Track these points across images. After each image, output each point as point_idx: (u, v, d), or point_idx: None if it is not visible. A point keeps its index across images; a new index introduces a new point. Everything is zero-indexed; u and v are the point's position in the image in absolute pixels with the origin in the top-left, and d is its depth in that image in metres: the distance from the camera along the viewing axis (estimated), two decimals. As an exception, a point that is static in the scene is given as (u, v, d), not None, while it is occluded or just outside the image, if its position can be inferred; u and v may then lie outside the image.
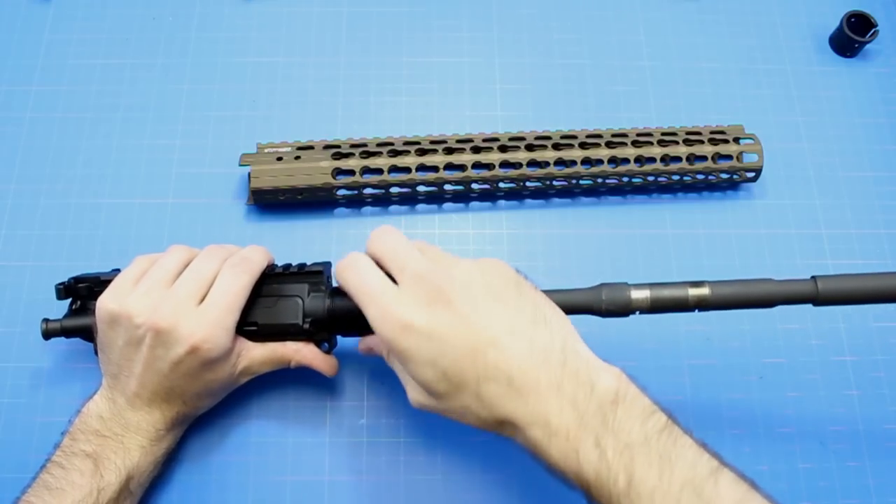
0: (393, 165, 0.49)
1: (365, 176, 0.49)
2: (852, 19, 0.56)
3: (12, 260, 0.49)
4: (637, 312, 0.37)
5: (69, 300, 0.42)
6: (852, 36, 0.56)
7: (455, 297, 0.33)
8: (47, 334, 0.41)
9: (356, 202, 0.51)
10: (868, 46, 0.58)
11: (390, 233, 0.37)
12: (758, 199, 0.53)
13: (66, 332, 0.41)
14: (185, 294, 0.38)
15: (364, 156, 0.49)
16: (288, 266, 0.43)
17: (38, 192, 0.51)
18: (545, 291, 0.37)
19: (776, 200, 0.53)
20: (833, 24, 0.58)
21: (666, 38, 0.58)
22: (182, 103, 0.54)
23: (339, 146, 0.49)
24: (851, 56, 0.58)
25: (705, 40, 0.58)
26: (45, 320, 0.41)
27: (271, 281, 0.41)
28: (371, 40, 0.57)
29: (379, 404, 0.46)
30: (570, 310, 0.36)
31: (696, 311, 0.37)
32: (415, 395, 0.36)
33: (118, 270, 0.42)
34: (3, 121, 0.52)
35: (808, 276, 0.37)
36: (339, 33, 0.57)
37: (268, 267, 0.42)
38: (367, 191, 0.50)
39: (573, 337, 0.34)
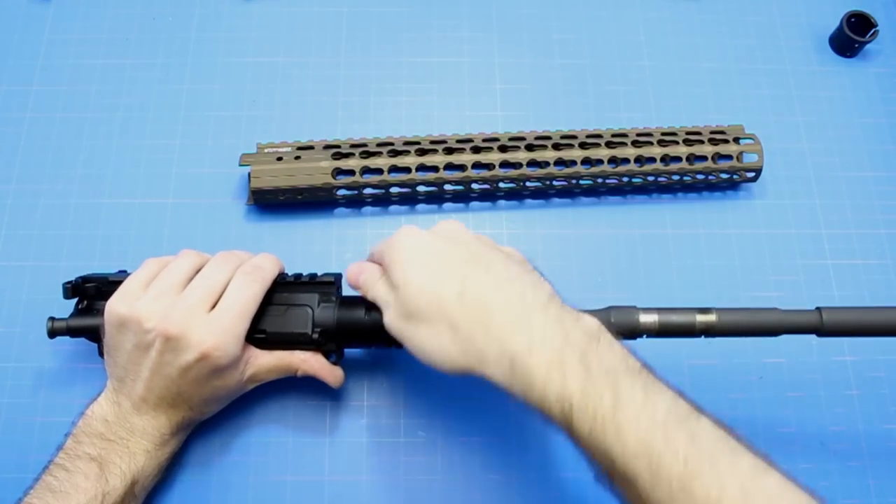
0: (393, 165, 0.49)
1: (365, 176, 0.49)
2: (852, 19, 0.56)
3: (12, 260, 0.49)
4: (644, 336, 0.38)
5: (75, 300, 0.42)
6: (852, 36, 0.56)
7: (467, 237, 0.37)
8: (53, 333, 0.41)
9: (356, 202, 0.51)
10: (868, 46, 0.58)
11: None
12: (758, 199, 0.53)
13: (72, 332, 0.41)
14: (196, 301, 0.38)
15: (364, 156, 0.49)
16: (299, 275, 0.43)
17: (38, 192, 0.51)
18: None
19: (776, 200, 0.53)
20: (833, 24, 0.58)
21: (666, 38, 0.58)
22: (182, 103, 0.54)
23: (339, 146, 0.49)
24: (851, 56, 0.58)
25: (705, 40, 0.58)
26: (52, 319, 0.41)
27: (282, 289, 0.41)
28: (371, 40, 0.57)
29: (379, 404, 0.46)
30: None
31: (703, 336, 0.38)
32: (397, 308, 0.35)
33: (125, 272, 0.42)
34: (3, 121, 0.52)
35: (814, 307, 0.38)
36: (339, 33, 0.57)
37: (278, 275, 0.42)
38: (367, 191, 0.50)
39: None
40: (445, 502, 0.44)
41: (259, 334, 0.40)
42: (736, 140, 0.51)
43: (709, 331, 0.37)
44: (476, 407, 0.46)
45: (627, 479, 0.28)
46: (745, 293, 0.50)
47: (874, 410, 0.47)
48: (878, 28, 0.56)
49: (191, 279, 0.39)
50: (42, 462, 0.38)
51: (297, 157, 0.48)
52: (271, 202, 0.50)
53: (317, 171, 0.48)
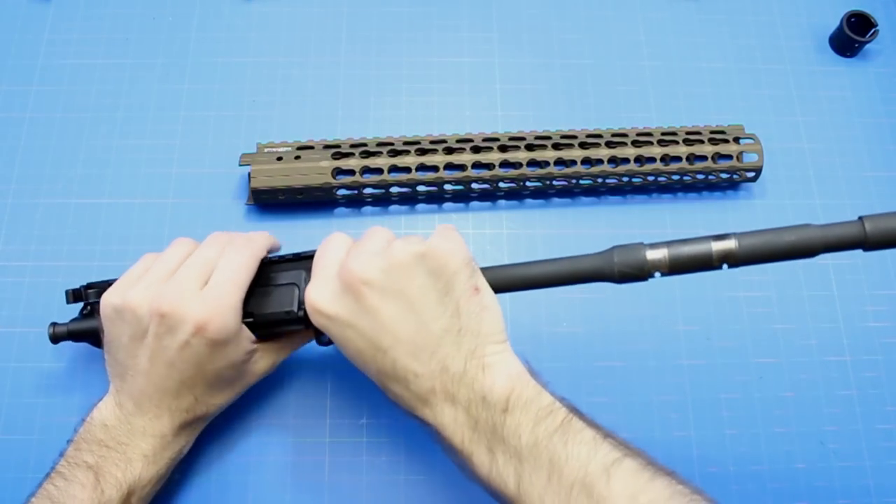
0: (393, 165, 0.49)
1: (365, 176, 0.49)
2: (852, 19, 0.56)
3: (12, 260, 0.49)
4: (657, 275, 0.34)
5: (80, 306, 0.42)
6: (852, 36, 0.56)
7: (370, 296, 0.34)
8: (55, 338, 0.41)
9: (356, 202, 0.51)
10: (868, 46, 0.58)
11: (378, 230, 0.38)
12: (758, 199, 0.53)
13: (73, 336, 0.41)
14: (187, 277, 0.37)
15: (364, 156, 0.49)
16: (284, 256, 0.42)
17: (38, 192, 0.51)
18: (550, 260, 0.36)
19: (776, 200, 0.53)
20: (833, 24, 0.58)
21: (666, 38, 0.58)
22: (182, 103, 0.54)
23: (338, 146, 0.49)
24: (851, 56, 0.58)
25: (705, 40, 0.58)
26: (53, 324, 0.41)
27: (268, 269, 0.41)
28: (371, 40, 0.57)
29: (379, 404, 0.46)
30: (579, 278, 0.36)
31: (725, 267, 0.33)
32: None
33: None
34: (3, 121, 0.52)
35: (856, 218, 0.33)
36: (339, 33, 0.57)
37: (264, 257, 0.41)
38: (367, 191, 0.50)
39: (485, 344, 0.35)
40: (446, 502, 0.44)
41: (246, 318, 0.39)
42: (736, 140, 0.51)
43: (729, 259, 0.32)
44: (476, 407, 0.46)
45: None
46: (745, 293, 0.50)
47: (872, 410, 0.47)
48: (878, 28, 0.56)
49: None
50: (41, 462, 0.38)
51: (297, 157, 0.48)
52: (271, 202, 0.50)
53: (316, 170, 0.48)
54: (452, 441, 0.34)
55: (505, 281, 0.37)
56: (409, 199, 0.52)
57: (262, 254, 0.40)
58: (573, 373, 0.47)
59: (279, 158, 0.48)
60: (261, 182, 0.48)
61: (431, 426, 0.35)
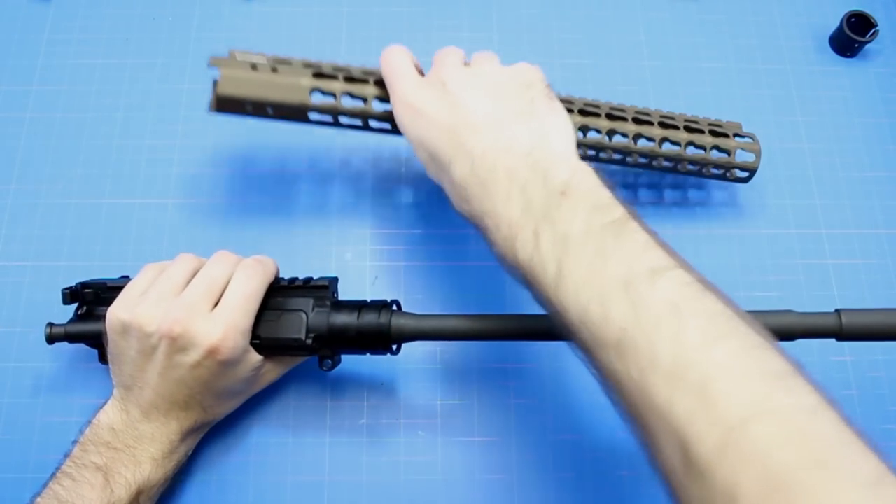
0: (379, 96, 0.42)
1: (345, 102, 0.42)
2: (852, 19, 0.56)
3: (12, 260, 0.49)
4: None
5: (75, 305, 0.42)
6: (852, 36, 0.56)
7: (453, 84, 0.37)
8: (51, 339, 0.41)
9: (331, 127, 0.44)
10: (868, 46, 0.58)
11: (451, 50, 0.40)
12: (757, 199, 0.53)
13: (70, 338, 0.41)
14: (198, 298, 0.37)
15: (348, 81, 0.43)
16: (294, 279, 0.42)
17: (38, 192, 0.51)
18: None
19: (776, 200, 0.53)
20: (833, 24, 0.58)
21: (666, 38, 0.58)
22: (182, 103, 0.54)
23: (320, 66, 0.43)
24: (851, 56, 0.58)
25: (705, 40, 0.58)
26: (50, 325, 0.41)
27: (276, 294, 0.41)
28: (371, 40, 0.57)
29: (379, 404, 0.46)
30: (547, 334, 0.36)
31: None
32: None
33: (127, 277, 0.42)
34: (3, 121, 0.52)
35: (832, 310, 0.36)
36: (339, 33, 0.57)
37: (273, 280, 0.41)
38: (344, 119, 0.43)
39: (557, 135, 0.35)
40: (445, 502, 0.44)
41: (254, 340, 0.39)
42: (735, 136, 0.50)
43: None
44: (476, 407, 0.46)
45: (579, 344, 0.30)
46: (745, 293, 0.50)
47: (873, 410, 0.47)
48: (878, 28, 0.56)
49: (189, 281, 0.39)
50: (41, 462, 0.38)
51: (274, 70, 0.42)
52: (236, 113, 0.42)
53: (294, 87, 0.41)
54: (501, 225, 0.32)
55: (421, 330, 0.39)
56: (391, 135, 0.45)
57: (271, 278, 0.40)
58: (575, 371, 0.47)
59: (253, 67, 0.42)
60: (229, 89, 0.41)
61: (483, 217, 0.34)
